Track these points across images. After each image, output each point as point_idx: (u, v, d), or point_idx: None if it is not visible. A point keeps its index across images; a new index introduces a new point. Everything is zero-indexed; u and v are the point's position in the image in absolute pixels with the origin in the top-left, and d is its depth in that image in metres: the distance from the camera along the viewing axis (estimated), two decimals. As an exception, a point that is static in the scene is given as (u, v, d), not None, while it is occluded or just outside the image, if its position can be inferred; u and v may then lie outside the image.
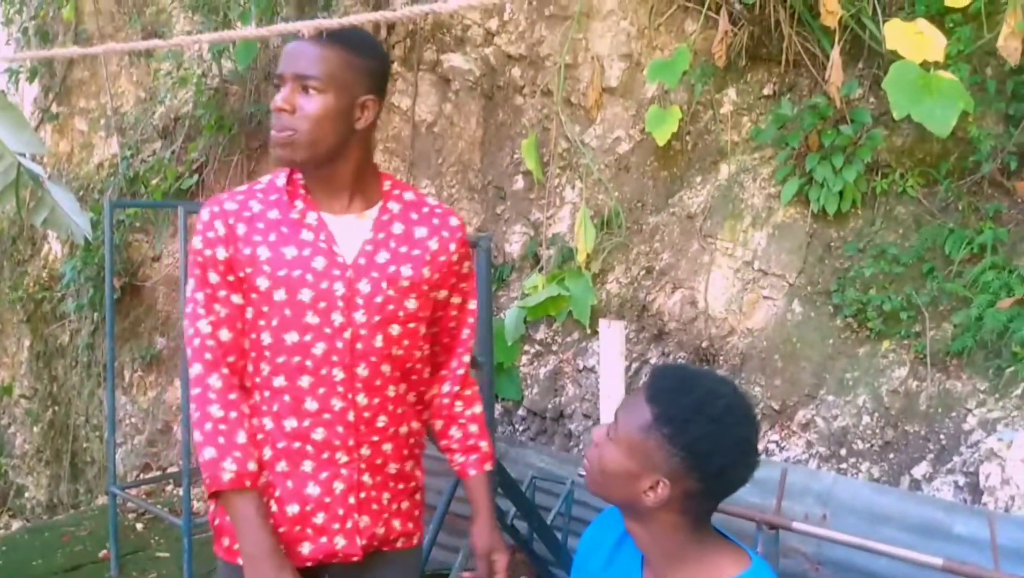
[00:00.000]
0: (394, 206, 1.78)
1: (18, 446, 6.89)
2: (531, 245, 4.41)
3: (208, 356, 1.70)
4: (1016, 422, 3.01)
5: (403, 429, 1.80)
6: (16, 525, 5.77)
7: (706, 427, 1.36)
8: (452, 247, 1.81)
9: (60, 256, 6.44)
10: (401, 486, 1.82)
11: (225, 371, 1.70)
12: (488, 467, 1.94)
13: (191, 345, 1.71)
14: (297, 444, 1.71)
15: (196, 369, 1.69)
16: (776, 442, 3.63)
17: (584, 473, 1.51)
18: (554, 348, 4.36)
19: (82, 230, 4.24)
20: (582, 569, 1.63)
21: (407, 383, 1.81)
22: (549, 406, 4.34)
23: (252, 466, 1.67)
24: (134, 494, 4.85)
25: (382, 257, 1.73)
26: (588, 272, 4.07)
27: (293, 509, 1.71)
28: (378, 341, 1.72)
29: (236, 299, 1.72)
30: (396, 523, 1.81)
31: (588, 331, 4.15)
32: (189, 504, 3.76)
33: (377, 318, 1.72)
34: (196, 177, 5.52)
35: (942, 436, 3.21)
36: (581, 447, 4.15)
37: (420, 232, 1.78)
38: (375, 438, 1.75)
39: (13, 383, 6.57)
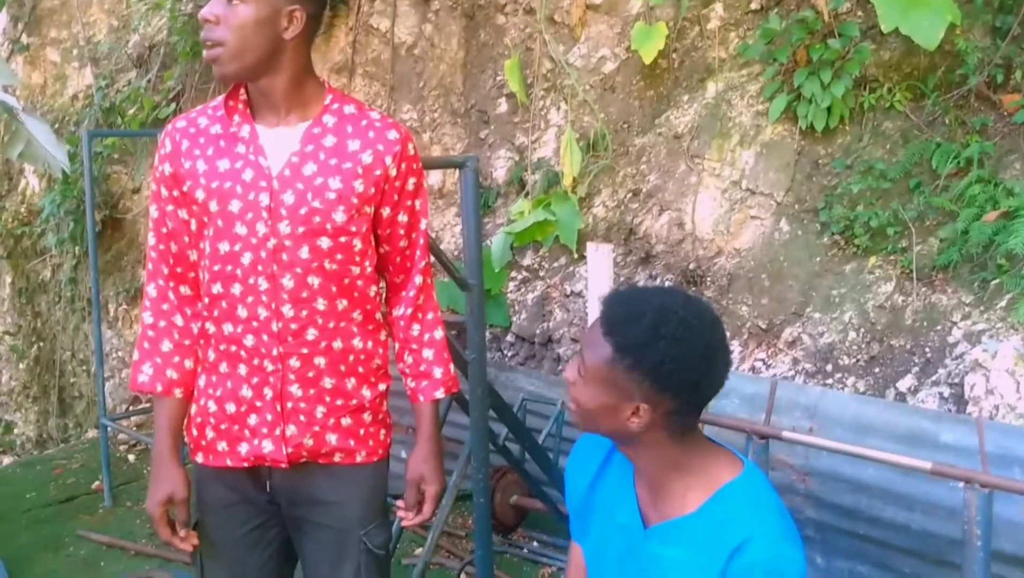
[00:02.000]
0: (329, 119, 1.78)
1: (4, 383, 6.86)
2: (516, 170, 4.37)
3: (150, 266, 1.83)
4: (1001, 333, 3.04)
5: (337, 344, 1.79)
6: (7, 461, 5.77)
7: (664, 348, 1.35)
8: (388, 160, 1.78)
9: (38, 190, 6.35)
10: (339, 402, 1.81)
11: (161, 282, 1.82)
12: (439, 395, 1.92)
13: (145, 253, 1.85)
14: (233, 348, 1.78)
15: (142, 276, 1.82)
16: (763, 360, 3.66)
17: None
18: (541, 274, 4.36)
19: (59, 162, 4.17)
20: (574, 487, 1.63)
21: (348, 299, 1.79)
22: (537, 331, 4.35)
23: (171, 373, 1.81)
24: (124, 425, 4.85)
25: (308, 169, 1.74)
26: (574, 196, 4.05)
27: (231, 408, 1.79)
28: (304, 252, 1.73)
29: (183, 214, 1.79)
30: (332, 438, 1.81)
31: (575, 256, 4.14)
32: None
33: (301, 229, 1.72)
34: (173, 106, 5.43)
35: (927, 349, 3.24)
36: (570, 370, 4.18)
37: (353, 145, 1.77)
38: (304, 350, 1.76)
39: (-4, 320, 6.52)
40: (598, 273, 3.84)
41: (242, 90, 1.80)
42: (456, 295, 3.92)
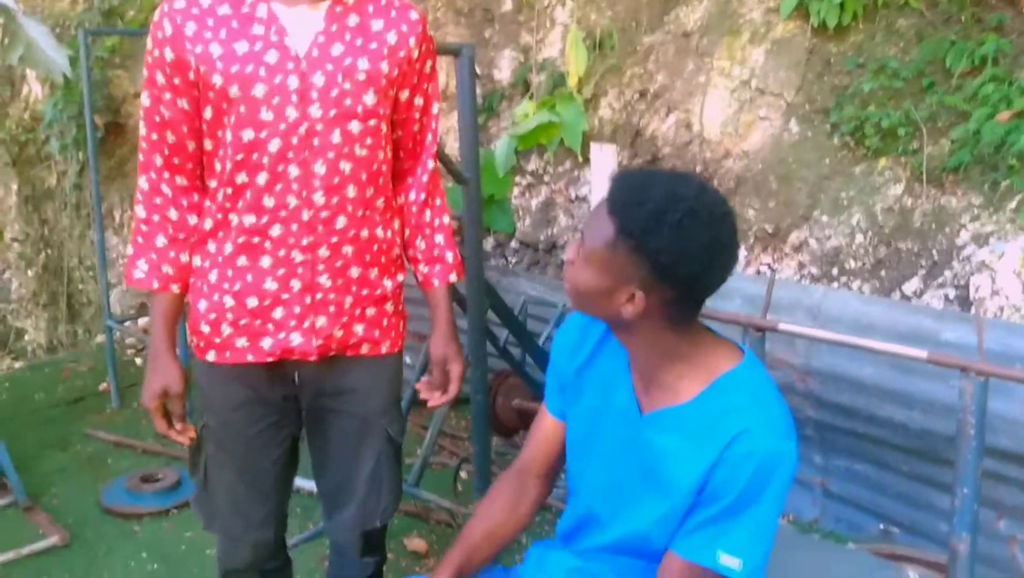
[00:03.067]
0: None
1: (14, 291, 6.89)
2: (521, 71, 4.28)
3: (141, 157, 1.74)
4: (1009, 234, 2.98)
5: (365, 233, 1.77)
6: (18, 365, 5.83)
7: (668, 236, 1.29)
8: (412, 42, 1.75)
9: (41, 96, 6.28)
10: (365, 292, 1.80)
11: (154, 175, 1.74)
12: (453, 278, 1.94)
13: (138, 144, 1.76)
14: (256, 239, 1.71)
15: (137, 167, 1.75)
16: (768, 265, 3.62)
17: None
18: (546, 179, 4.30)
19: (60, 66, 4.10)
20: (564, 362, 1.60)
21: (374, 186, 1.77)
22: (542, 237, 4.31)
23: (167, 269, 1.76)
24: (131, 329, 4.88)
25: (336, 49, 1.68)
26: (580, 97, 3.97)
27: (252, 302, 1.74)
28: (335, 137, 1.69)
29: (182, 103, 1.70)
30: (358, 328, 1.81)
31: (580, 159, 4.08)
32: (185, 331, 3.78)
33: (333, 112, 1.68)
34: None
35: (934, 252, 3.19)
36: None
37: (377, 25, 1.72)
38: (334, 240, 1.73)
39: (4, 228, 6.53)
40: (602, 175, 3.78)
41: None
42: (456, 199, 3.88)
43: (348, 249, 1.75)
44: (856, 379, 2.76)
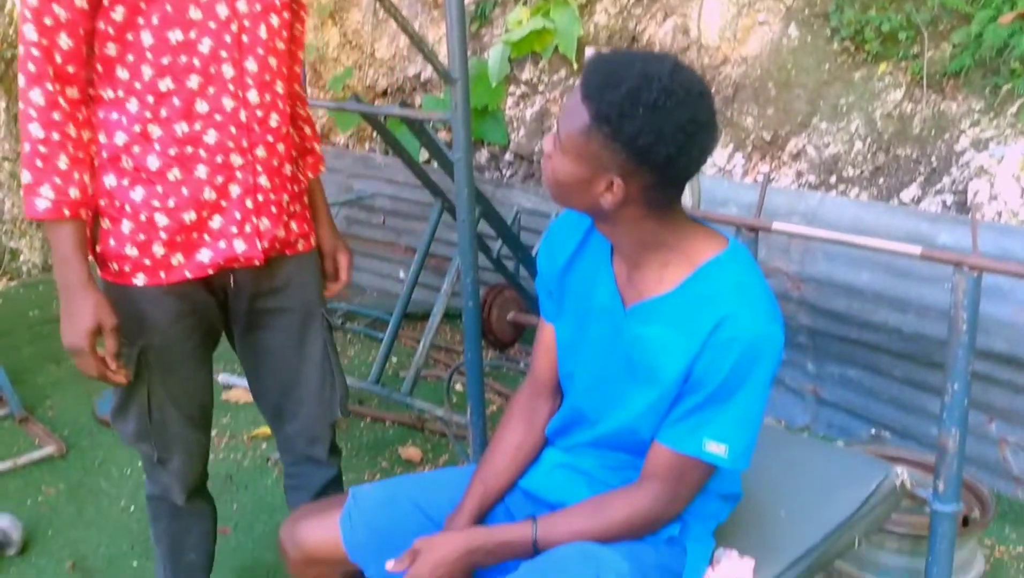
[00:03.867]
0: None
1: (8, 211, 6.83)
2: (515, -23, 4.16)
3: (32, 67, 1.54)
4: (1009, 139, 2.93)
5: (288, 129, 1.78)
6: (13, 285, 5.82)
7: (643, 119, 1.24)
8: None
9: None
10: (296, 188, 1.82)
11: (50, 87, 1.55)
12: (323, 169, 1.97)
13: (20, 53, 1.55)
14: (189, 149, 1.64)
15: (21, 81, 1.55)
16: (766, 173, 3.57)
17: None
18: (540, 88, 4.22)
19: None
20: (549, 267, 1.57)
21: (289, 82, 1.78)
22: (536, 148, 4.25)
23: (74, 193, 1.59)
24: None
25: None
26: (574, 2, 3.86)
27: (190, 216, 1.67)
28: (262, 32, 1.67)
29: (80, 1, 1.55)
30: (294, 225, 1.82)
31: (575, 67, 3.99)
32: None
33: (259, 7, 1.66)
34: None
35: (933, 158, 3.14)
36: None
37: None
38: (269, 138, 1.71)
39: (-6, 146, 6.45)
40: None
41: None
42: (448, 104, 3.80)
43: (281, 147, 1.75)
44: (851, 285, 2.74)
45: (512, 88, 4.27)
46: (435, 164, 3.54)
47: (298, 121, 1.90)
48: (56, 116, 1.56)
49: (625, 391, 1.44)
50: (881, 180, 3.27)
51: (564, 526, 1.43)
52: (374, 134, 4.68)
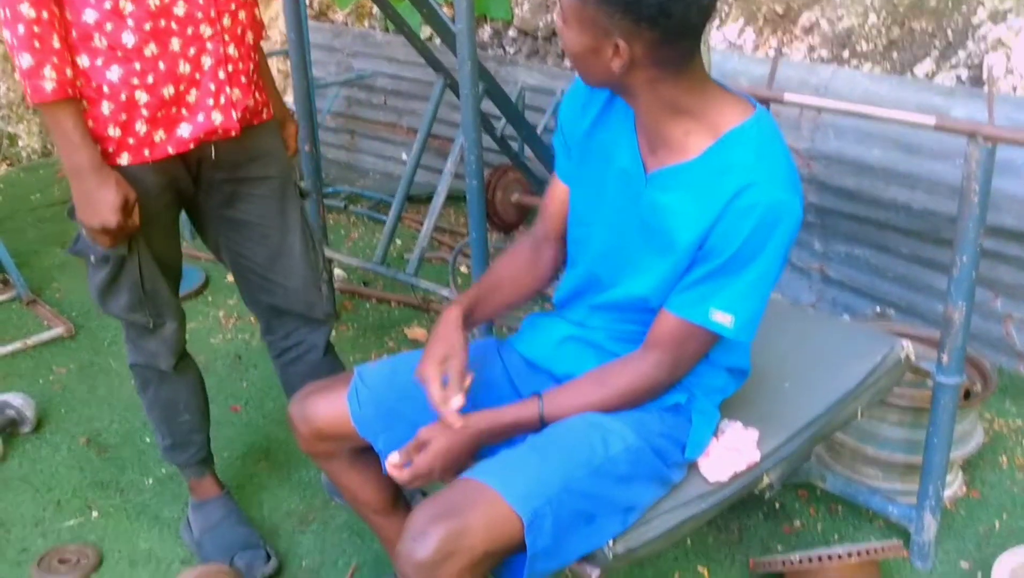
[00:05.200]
0: None
1: (3, 95, 6.73)
2: None
3: None
4: (1030, 9, 2.84)
5: None
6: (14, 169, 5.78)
7: None
8: None
9: None
10: (256, 56, 1.84)
11: None
12: (264, 35, 1.93)
13: None
14: (162, 22, 1.63)
15: None
16: (777, 47, 3.47)
17: None
18: (545, -39, 4.08)
19: None
20: (571, 124, 1.54)
21: None
22: (540, 25, 4.14)
23: (69, 72, 1.58)
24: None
25: None
26: None
27: (169, 91, 1.67)
28: None
29: None
30: (258, 95, 1.84)
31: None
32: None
33: None
34: None
35: (949, 31, 3.05)
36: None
37: None
38: (232, 6, 1.73)
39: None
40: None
41: None
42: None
43: (243, 14, 1.77)
44: (861, 161, 2.70)
45: (516, -40, 4.13)
46: (437, 41, 3.45)
47: None
48: None
49: (640, 258, 1.43)
50: (895, 54, 3.18)
51: (569, 399, 1.44)
52: (374, 10, 4.55)
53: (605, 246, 1.49)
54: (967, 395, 2.11)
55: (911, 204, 2.63)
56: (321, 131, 3.94)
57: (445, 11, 3.17)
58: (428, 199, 3.95)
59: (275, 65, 4.49)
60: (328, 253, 2.76)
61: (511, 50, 4.29)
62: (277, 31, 4.88)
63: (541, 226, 1.65)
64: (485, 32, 4.32)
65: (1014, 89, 2.81)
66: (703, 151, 1.35)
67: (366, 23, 4.74)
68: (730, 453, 1.49)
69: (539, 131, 3.54)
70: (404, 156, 4.40)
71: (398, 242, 3.75)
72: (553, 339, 1.60)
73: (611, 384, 1.44)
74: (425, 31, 3.84)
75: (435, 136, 3.66)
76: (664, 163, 1.39)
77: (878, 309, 2.85)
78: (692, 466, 1.50)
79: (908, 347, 1.78)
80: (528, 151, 3.60)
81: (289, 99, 3.55)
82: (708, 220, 1.32)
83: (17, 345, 3.01)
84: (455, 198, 3.89)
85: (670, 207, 1.37)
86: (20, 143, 6.48)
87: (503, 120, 3.44)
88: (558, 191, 1.61)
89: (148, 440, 2.53)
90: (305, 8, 2.92)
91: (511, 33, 4.27)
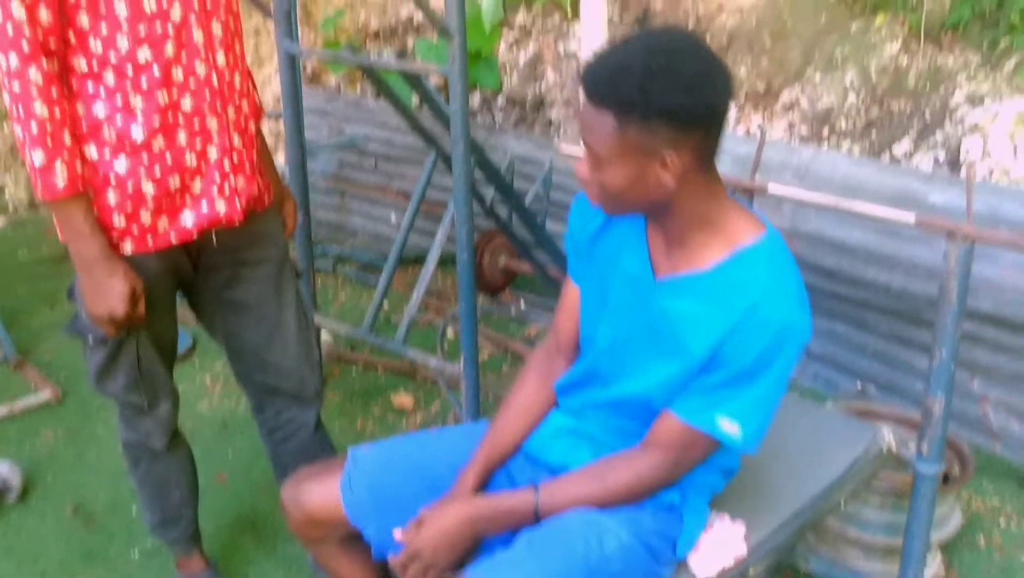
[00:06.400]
0: None
1: (-10, 145, 6.72)
2: (509, -83, 4.10)
3: (25, 46, 1.53)
4: (1004, 95, 2.94)
5: (247, 86, 1.84)
6: (0, 221, 5.79)
7: (665, 85, 1.24)
8: None
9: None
10: (258, 144, 1.89)
11: (44, 63, 1.55)
12: (263, 118, 1.98)
13: (3, 33, 1.53)
14: (170, 117, 1.67)
15: (12, 61, 1.53)
16: (761, 128, 3.57)
17: (593, 201, 1.41)
18: (534, 33, 4.18)
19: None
20: (580, 227, 1.57)
21: (241, 40, 1.83)
22: (529, 94, 4.23)
23: (79, 168, 1.61)
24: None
25: None
26: (570, -54, 3.81)
27: (175, 182, 1.71)
28: None
29: None
30: (259, 181, 1.88)
31: (569, 13, 3.96)
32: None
33: None
34: None
35: (927, 112, 3.15)
36: (562, 133, 4.09)
37: None
38: (236, 98, 1.78)
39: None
40: (593, 32, 3.67)
41: None
42: (442, 54, 3.77)
43: (245, 105, 1.81)
44: (842, 242, 2.77)
45: (505, 32, 4.23)
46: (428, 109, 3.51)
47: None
48: (54, 92, 1.57)
49: (646, 360, 1.46)
50: (874, 133, 3.28)
51: (565, 492, 1.46)
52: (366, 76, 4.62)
53: (609, 343, 1.51)
54: (946, 479, 2.16)
55: (890, 285, 2.69)
56: (312, 192, 3.98)
57: (435, 79, 3.25)
58: (416, 260, 4.00)
59: (268, 126, 4.55)
60: (316, 318, 2.79)
61: (500, 117, 4.37)
62: (271, 94, 4.95)
63: (558, 325, 1.66)
64: (475, 99, 4.40)
65: (990, 172, 2.90)
66: (717, 263, 1.38)
67: (358, 88, 4.82)
68: (718, 548, 1.52)
69: (527, 200, 3.60)
70: (393, 218, 4.45)
71: (385, 304, 3.77)
72: (549, 429, 1.63)
73: (608, 480, 1.46)
74: (416, 96, 3.92)
75: (424, 199, 3.71)
76: (677, 271, 1.42)
77: (859, 385, 2.91)
78: (681, 562, 1.53)
79: (889, 438, 1.82)
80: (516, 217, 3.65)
81: (281, 159, 3.61)
82: (722, 330, 1.35)
83: (3, 410, 3.00)
84: (443, 260, 3.93)
85: (683, 314, 1.39)
86: (7, 193, 6.48)
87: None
88: (572, 294, 1.63)
89: (135, 510, 2.53)
90: (300, 73, 2.98)
91: (500, 101, 4.36)
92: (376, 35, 4.68)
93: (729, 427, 1.38)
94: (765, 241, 1.38)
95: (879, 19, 3.28)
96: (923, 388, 1.86)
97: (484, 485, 1.58)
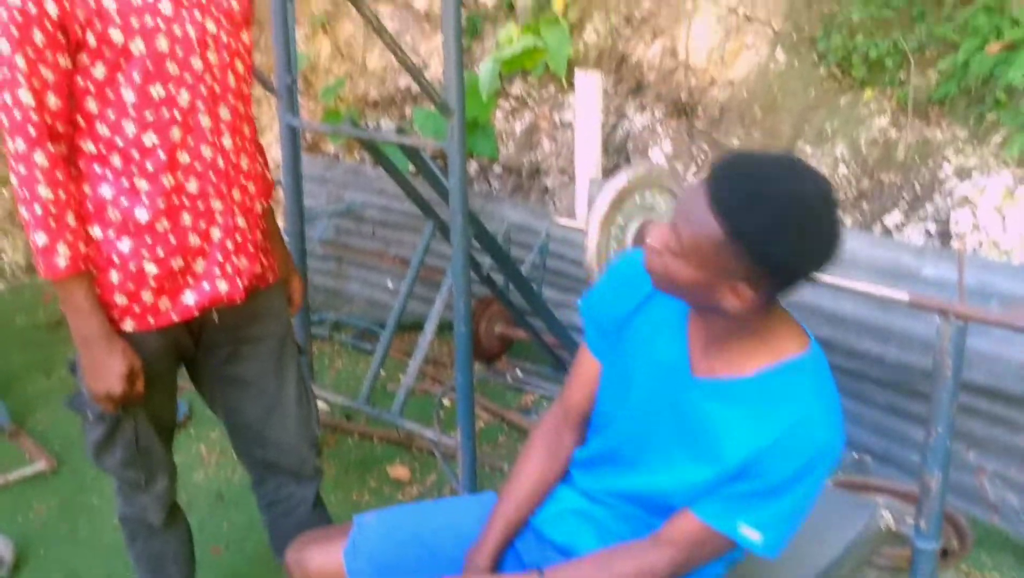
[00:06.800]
0: None
1: (-11, 209, 6.76)
2: (506, -7, 4.19)
3: (32, 130, 1.56)
4: (992, 169, 2.99)
5: (255, 167, 1.86)
6: (-3, 286, 5.79)
7: (791, 240, 1.21)
8: None
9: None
10: (264, 224, 1.91)
11: (51, 147, 1.58)
12: (273, 196, 2.02)
13: (10, 117, 1.56)
14: (175, 199, 1.70)
15: (19, 145, 1.56)
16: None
17: (650, 272, 1.37)
18: (530, 103, 4.25)
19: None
20: (615, 302, 1.54)
21: (252, 122, 1.86)
22: (525, 162, 4.28)
23: (82, 248, 1.64)
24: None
25: None
26: (565, 21, 3.90)
27: (177, 263, 1.73)
28: (231, 80, 1.74)
29: (63, 60, 1.57)
30: (264, 260, 1.90)
31: (564, 84, 4.03)
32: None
33: (227, 56, 1.72)
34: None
35: (917, 185, 3.20)
36: (557, 202, 4.14)
37: None
38: (242, 180, 1.80)
39: (-23, 145, 6.41)
40: (587, 102, 3.74)
41: None
42: (440, 124, 3.83)
43: (252, 186, 1.83)
44: (836, 314, 2.80)
45: (502, 101, 4.30)
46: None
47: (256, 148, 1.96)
48: (59, 175, 1.60)
49: (672, 455, 1.44)
50: (865, 205, 3.32)
51: None
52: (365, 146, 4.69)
53: (632, 429, 1.50)
54: (944, 553, 2.16)
55: (885, 357, 2.71)
56: (309, 258, 4.01)
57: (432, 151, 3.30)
58: (412, 327, 4.02)
59: (265, 194, 4.59)
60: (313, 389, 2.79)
61: (496, 185, 4.42)
62: (270, 161, 5.01)
63: (569, 396, 1.64)
64: (471, 167, 4.46)
65: (980, 244, 2.94)
66: (759, 371, 1.36)
67: (356, 155, 4.88)
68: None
69: (524, 269, 3.63)
70: (390, 284, 4.48)
71: (382, 373, 3.78)
72: (557, 505, 1.62)
73: (615, 571, 1.44)
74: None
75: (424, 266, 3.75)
76: (717, 372, 1.40)
77: (856, 456, 2.91)
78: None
79: (887, 517, 1.84)
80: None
81: (280, 223, 3.64)
82: (761, 443, 1.33)
83: (-3, 481, 2.99)
84: (439, 327, 3.96)
85: (721, 420, 1.38)
86: (5, 258, 6.50)
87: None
88: (589, 366, 1.60)
89: (129, 585, 2.51)
90: (300, 144, 3.03)
91: (496, 169, 4.42)
92: (375, 104, 4.75)
93: (751, 534, 1.36)
94: (810, 356, 1.37)
95: (867, 93, 3.35)
96: (919, 459, 1.87)
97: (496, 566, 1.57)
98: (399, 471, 3.09)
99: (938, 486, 1.84)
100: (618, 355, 1.54)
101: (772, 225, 1.21)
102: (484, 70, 4.10)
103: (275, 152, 4.94)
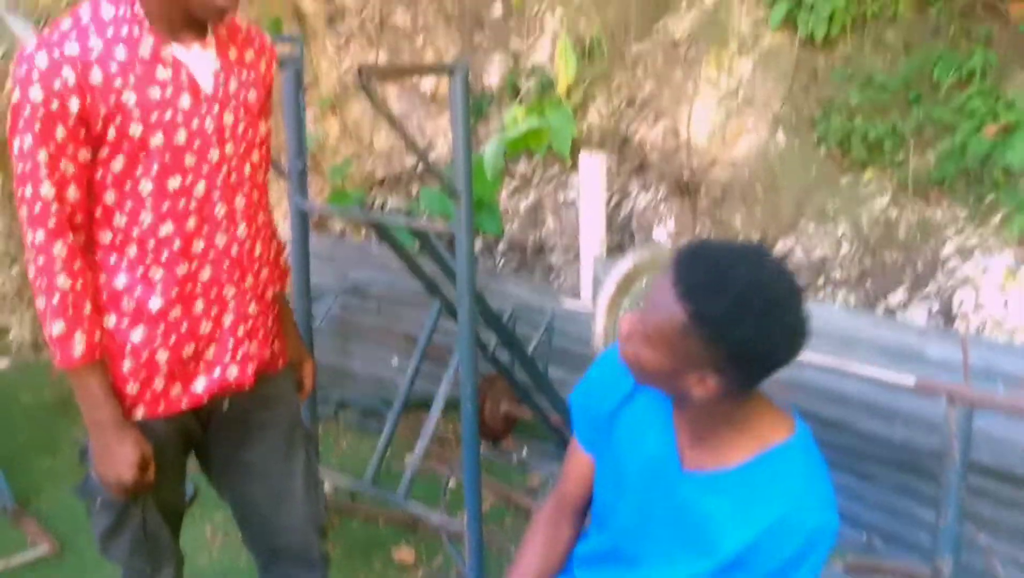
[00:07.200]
0: (221, 30, 1.74)
1: (-2, 286, 6.81)
2: (510, 76, 4.28)
3: (52, 223, 1.60)
4: (993, 249, 3.02)
5: (269, 254, 1.89)
6: (3, 364, 5.81)
7: (751, 326, 1.23)
8: (273, 68, 1.84)
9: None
10: (275, 310, 1.94)
11: (70, 238, 1.62)
12: (288, 281, 2.05)
13: (30, 209, 1.60)
14: (189, 287, 1.72)
15: (39, 236, 1.61)
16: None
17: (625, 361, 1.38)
18: (534, 181, 4.32)
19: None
20: (602, 397, 1.55)
21: (266, 210, 1.89)
22: (530, 240, 4.33)
23: (98, 336, 1.67)
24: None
25: (233, 85, 1.73)
26: (568, 103, 3.98)
27: (189, 350, 1.75)
28: (246, 170, 1.77)
29: (84, 154, 1.61)
30: (275, 345, 1.92)
31: (569, 164, 4.10)
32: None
33: (243, 148, 1.75)
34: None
35: (919, 264, 3.23)
36: (562, 280, 4.18)
37: (249, 55, 1.79)
38: (256, 267, 1.82)
39: (-13, 223, 6.48)
40: (591, 182, 3.80)
41: (136, 3, 1.62)
42: (447, 203, 3.89)
43: (264, 273, 1.86)
44: (841, 394, 2.80)
45: (507, 180, 4.36)
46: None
47: (273, 235, 1.99)
48: (77, 265, 1.64)
49: (670, 550, 1.44)
50: (868, 283, 3.35)
51: None
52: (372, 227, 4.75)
53: (631, 523, 1.50)
54: (959, 640, 2.13)
55: (891, 437, 2.71)
56: (315, 337, 4.03)
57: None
58: (417, 405, 4.01)
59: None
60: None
61: (501, 262, 4.46)
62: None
63: (563, 490, 1.64)
64: (477, 244, 4.51)
65: (984, 324, 2.96)
66: (746, 460, 1.37)
67: (362, 233, 4.94)
68: None
69: (530, 349, 3.64)
70: (395, 361, 4.48)
71: (388, 452, 3.77)
72: None
73: None
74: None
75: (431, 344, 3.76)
76: (703, 465, 1.41)
77: (865, 537, 2.88)
78: None
79: (900, 604, 1.82)
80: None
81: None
82: (753, 533, 1.33)
83: (-1, 564, 2.97)
84: (445, 405, 3.95)
85: (711, 513, 1.38)
86: (11, 334, 6.51)
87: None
88: (580, 459, 1.61)
89: (130, 672, 2.46)
90: (309, 225, 3.08)
91: (501, 246, 4.46)
92: (382, 182, 4.82)
93: None
94: (796, 439, 1.38)
95: (867, 174, 3.40)
96: (928, 539, 1.86)
97: None
98: (404, 554, 3.06)
99: (949, 570, 1.83)
100: (610, 448, 1.54)
101: (733, 310, 1.23)
102: (489, 151, 4.17)
103: (283, 229, 5.01)
